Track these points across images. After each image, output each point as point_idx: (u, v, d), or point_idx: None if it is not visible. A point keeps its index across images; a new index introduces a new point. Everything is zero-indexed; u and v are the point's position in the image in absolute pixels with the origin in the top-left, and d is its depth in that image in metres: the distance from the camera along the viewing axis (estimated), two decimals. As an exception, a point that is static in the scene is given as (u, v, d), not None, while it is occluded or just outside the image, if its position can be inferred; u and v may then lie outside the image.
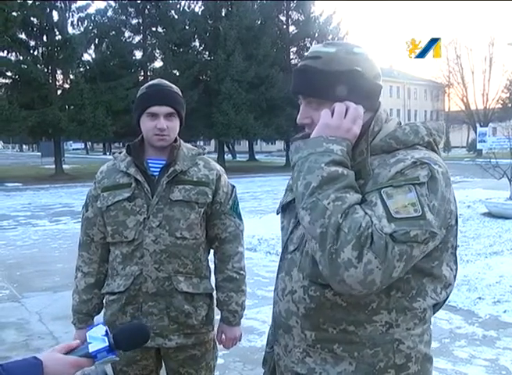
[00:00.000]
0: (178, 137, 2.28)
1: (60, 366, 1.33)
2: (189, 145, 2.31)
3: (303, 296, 1.38)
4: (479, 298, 5.73)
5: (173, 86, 2.22)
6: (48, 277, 6.89)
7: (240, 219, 2.35)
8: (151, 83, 2.24)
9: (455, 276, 1.44)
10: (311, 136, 1.34)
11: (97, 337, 1.40)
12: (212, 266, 2.35)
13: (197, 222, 2.20)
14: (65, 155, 42.87)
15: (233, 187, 2.36)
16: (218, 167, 2.32)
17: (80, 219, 2.36)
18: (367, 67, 1.37)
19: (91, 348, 1.37)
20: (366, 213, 1.19)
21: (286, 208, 1.57)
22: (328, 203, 1.19)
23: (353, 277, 1.15)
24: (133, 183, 2.17)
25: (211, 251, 2.38)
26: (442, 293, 1.39)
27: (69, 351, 1.38)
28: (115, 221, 2.17)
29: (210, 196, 2.22)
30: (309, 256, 1.36)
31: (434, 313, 1.45)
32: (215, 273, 2.34)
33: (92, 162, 39.59)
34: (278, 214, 1.64)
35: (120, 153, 2.28)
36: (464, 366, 4.04)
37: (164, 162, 2.20)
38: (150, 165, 2.21)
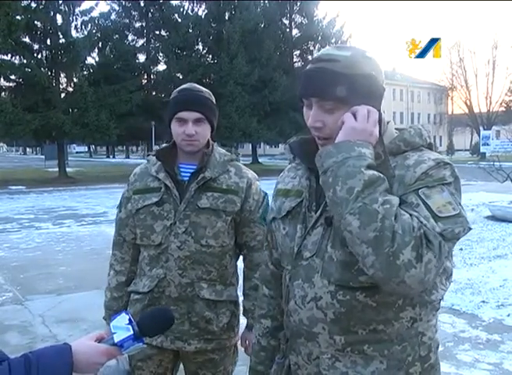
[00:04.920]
0: (211, 142, 2.27)
1: (91, 353, 1.34)
2: (222, 150, 2.29)
3: (331, 302, 1.37)
4: (483, 301, 5.71)
5: (204, 91, 2.20)
6: (51, 280, 6.89)
7: None
8: (182, 87, 2.22)
9: (452, 266, 1.49)
10: (337, 139, 1.32)
11: (121, 326, 1.40)
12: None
13: (224, 230, 2.18)
14: (69, 158, 43.02)
15: (265, 194, 2.31)
16: (250, 174, 2.29)
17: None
18: (378, 71, 1.40)
19: (116, 338, 1.37)
20: (411, 215, 1.21)
21: (288, 214, 1.53)
22: (378, 206, 1.20)
23: (414, 277, 1.17)
24: (162, 187, 2.17)
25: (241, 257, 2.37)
26: (446, 283, 1.44)
27: (99, 341, 1.39)
28: (143, 224, 2.19)
29: (238, 204, 2.20)
30: (335, 261, 1.36)
31: None
32: (243, 281, 2.34)
33: (95, 165, 39.71)
34: (273, 221, 1.59)
35: (153, 156, 2.28)
36: (468, 370, 4.02)
37: (195, 167, 2.18)
38: (181, 170, 2.21)
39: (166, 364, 2.28)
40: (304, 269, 1.43)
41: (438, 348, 1.49)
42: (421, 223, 1.20)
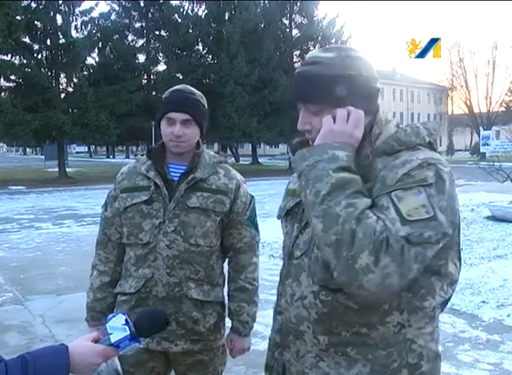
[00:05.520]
0: (201, 144, 2.28)
1: (87, 353, 1.35)
2: (211, 152, 2.31)
3: (314, 301, 1.38)
4: (483, 301, 5.71)
5: (196, 93, 2.20)
6: (51, 280, 6.90)
7: (257, 230, 2.34)
8: (174, 88, 2.23)
9: (459, 272, 1.44)
10: (315, 143, 1.33)
11: (118, 326, 1.40)
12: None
13: (213, 230, 2.19)
14: (69, 159, 43.02)
15: (252, 197, 2.34)
16: (239, 176, 2.31)
17: (99, 219, 2.37)
18: (364, 71, 1.38)
19: (113, 339, 1.38)
20: (378, 218, 1.19)
21: (289, 213, 1.56)
22: (341, 210, 1.19)
23: (372, 282, 1.16)
24: (152, 186, 2.18)
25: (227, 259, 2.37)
26: (448, 290, 1.39)
27: (96, 342, 1.39)
28: (131, 223, 2.19)
29: (227, 205, 2.21)
30: (319, 262, 1.36)
31: (441, 311, 1.46)
32: (228, 282, 2.34)
33: (95, 166, 39.71)
34: (279, 219, 1.64)
35: (143, 155, 2.29)
36: (468, 370, 4.02)
37: (184, 168, 2.20)
38: (170, 169, 2.21)
39: (158, 369, 2.27)
40: (295, 268, 1.45)
41: (436, 357, 1.42)
42: (386, 226, 1.17)
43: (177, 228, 2.14)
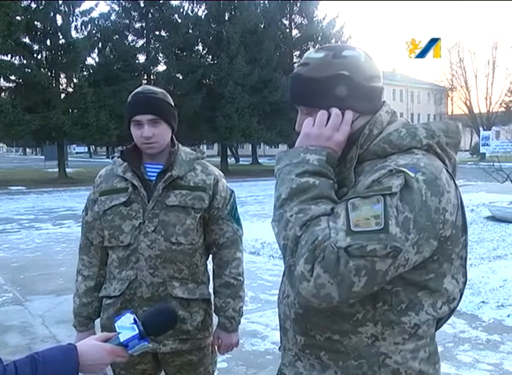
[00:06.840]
0: (176, 142, 2.27)
1: (96, 353, 1.35)
2: (187, 149, 2.30)
3: (293, 301, 1.38)
4: (483, 302, 5.71)
5: (158, 92, 2.19)
6: (51, 281, 6.90)
7: (239, 225, 2.33)
8: (136, 90, 2.22)
9: (462, 289, 1.36)
10: (295, 146, 1.33)
11: (126, 326, 1.41)
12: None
13: (193, 227, 2.18)
14: (69, 159, 43.01)
15: (232, 191, 2.33)
16: (217, 172, 2.30)
17: (81, 223, 2.37)
18: (357, 70, 1.32)
19: (122, 338, 1.39)
20: (328, 226, 1.15)
21: None
22: (291, 215, 1.19)
23: (306, 290, 1.14)
24: (129, 187, 2.17)
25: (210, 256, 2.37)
26: (442, 308, 1.31)
27: (106, 341, 1.40)
28: (111, 225, 2.18)
29: (206, 201, 2.20)
30: None
31: (437, 329, 1.39)
32: (212, 279, 2.33)
33: (95, 166, 39.64)
34: None
35: (119, 157, 2.28)
36: (468, 371, 4.02)
37: (160, 167, 2.19)
38: (147, 169, 2.21)
39: (149, 371, 2.28)
40: None
41: None
42: (330, 235, 1.12)
43: (157, 228, 2.13)
